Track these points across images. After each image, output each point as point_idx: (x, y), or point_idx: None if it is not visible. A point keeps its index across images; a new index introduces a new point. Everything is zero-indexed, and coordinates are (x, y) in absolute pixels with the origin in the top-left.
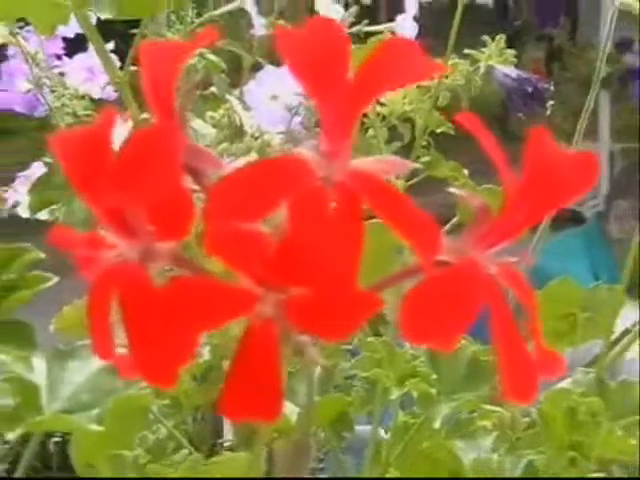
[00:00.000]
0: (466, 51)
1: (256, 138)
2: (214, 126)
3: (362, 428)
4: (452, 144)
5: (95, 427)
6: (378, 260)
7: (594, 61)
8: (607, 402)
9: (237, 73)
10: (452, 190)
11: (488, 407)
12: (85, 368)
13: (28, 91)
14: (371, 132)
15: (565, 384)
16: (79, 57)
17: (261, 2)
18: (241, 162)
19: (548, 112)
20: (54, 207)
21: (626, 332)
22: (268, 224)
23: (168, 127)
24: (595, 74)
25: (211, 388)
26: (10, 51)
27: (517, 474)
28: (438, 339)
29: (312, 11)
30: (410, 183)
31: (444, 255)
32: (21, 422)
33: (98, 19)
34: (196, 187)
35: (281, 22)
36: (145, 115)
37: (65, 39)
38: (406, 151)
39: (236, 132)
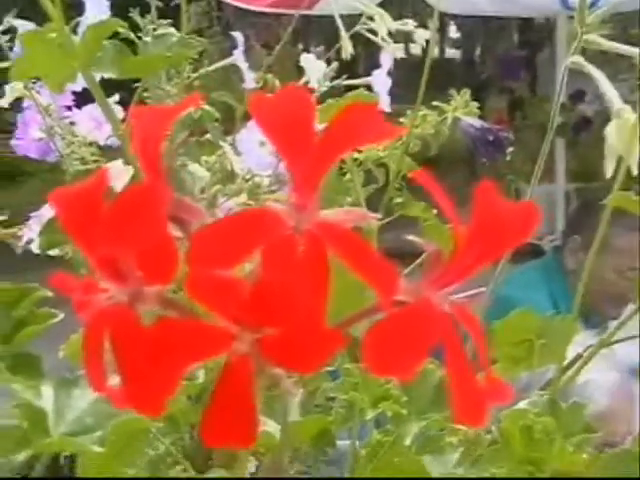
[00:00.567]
0: (434, 103)
1: (247, 180)
2: (208, 170)
3: (342, 443)
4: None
5: (97, 448)
6: (344, 298)
7: (551, 110)
8: (559, 421)
9: (230, 122)
10: (409, 237)
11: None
12: (88, 395)
13: (41, 139)
14: (348, 176)
15: (522, 405)
16: (87, 108)
17: (251, 58)
18: (233, 203)
19: (508, 157)
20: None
21: (578, 357)
22: (243, 269)
23: (155, 183)
24: (550, 122)
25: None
26: (25, 103)
27: None
28: (398, 371)
29: (298, 67)
30: (385, 221)
31: (402, 295)
32: (30, 444)
33: None
34: (181, 235)
35: (269, 76)
36: None
37: (75, 92)
38: (381, 193)
39: (228, 175)
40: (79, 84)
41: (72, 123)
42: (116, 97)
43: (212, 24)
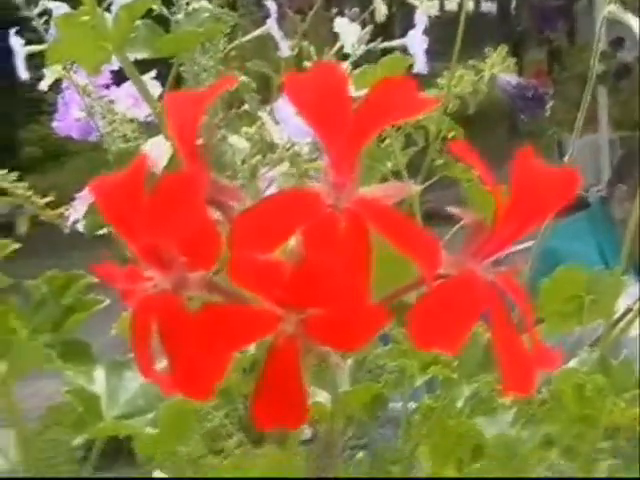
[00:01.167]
0: (471, 62)
1: (287, 149)
2: (248, 140)
3: (395, 405)
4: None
5: (151, 430)
6: (387, 274)
7: (591, 60)
8: (611, 378)
9: (267, 91)
10: (452, 210)
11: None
12: (139, 376)
13: (81, 119)
14: (387, 141)
15: (573, 363)
16: (125, 85)
17: (285, 26)
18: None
19: (548, 113)
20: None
21: (628, 311)
22: (285, 250)
23: (193, 169)
24: (590, 71)
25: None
26: (64, 84)
27: (534, 445)
28: (444, 345)
29: (333, 32)
30: (428, 183)
31: (445, 268)
32: (85, 428)
33: None
34: (221, 218)
35: (304, 43)
36: None
37: (112, 71)
38: (422, 155)
39: (268, 145)
40: (115, 62)
41: (111, 101)
42: (153, 73)
43: None
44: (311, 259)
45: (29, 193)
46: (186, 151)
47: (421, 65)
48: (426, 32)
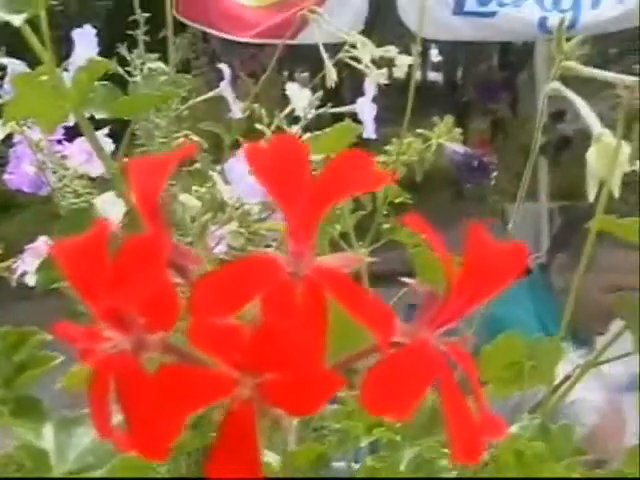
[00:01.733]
0: (419, 130)
1: (236, 209)
2: (199, 199)
3: (337, 464)
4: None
5: None
6: (342, 341)
7: (533, 131)
8: (550, 445)
9: (218, 151)
10: (405, 281)
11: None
12: (89, 433)
13: (33, 173)
14: (337, 205)
15: (514, 428)
16: (77, 142)
17: (237, 88)
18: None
19: (493, 181)
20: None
21: (567, 377)
22: (243, 316)
23: (156, 233)
24: (533, 143)
25: (202, 436)
26: (16, 138)
27: None
28: (396, 411)
29: (284, 95)
30: (375, 246)
31: (399, 337)
32: None
33: None
34: (180, 281)
35: (256, 106)
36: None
37: (65, 127)
38: (369, 219)
39: (219, 204)
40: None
41: (63, 157)
42: (106, 130)
43: (198, 56)
44: (269, 324)
45: None
46: (149, 215)
47: (370, 131)
48: (375, 99)
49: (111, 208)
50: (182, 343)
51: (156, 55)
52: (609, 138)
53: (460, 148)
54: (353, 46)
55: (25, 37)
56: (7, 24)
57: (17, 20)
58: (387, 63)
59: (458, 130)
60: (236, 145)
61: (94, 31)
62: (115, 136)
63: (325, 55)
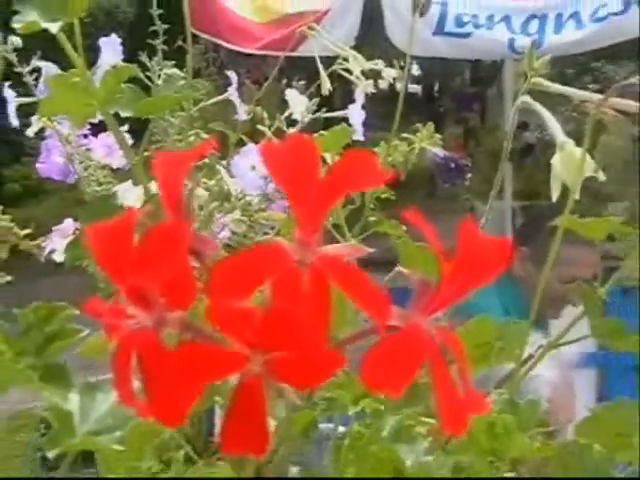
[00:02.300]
0: (404, 135)
1: (239, 199)
2: (206, 190)
3: (325, 425)
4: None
5: (117, 447)
6: (343, 322)
7: (500, 138)
8: (518, 417)
9: (225, 148)
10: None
11: (424, 419)
12: (108, 398)
13: (62, 163)
14: None
15: None
16: (101, 137)
17: (243, 93)
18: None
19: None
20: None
21: (529, 357)
22: (256, 299)
23: (178, 222)
24: (503, 151)
25: (204, 397)
26: (47, 132)
27: (446, 472)
28: (391, 388)
29: (283, 100)
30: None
31: (394, 321)
32: (59, 443)
33: None
34: (199, 266)
35: (258, 109)
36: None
37: (91, 123)
38: (358, 212)
39: (224, 195)
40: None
41: (88, 149)
42: (126, 127)
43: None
44: (277, 307)
45: (11, 225)
46: (171, 205)
47: (359, 134)
48: (363, 106)
49: (129, 195)
50: (198, 321)
51: (172, 62)
52: (572, 147)
53: (440, 151)
54: (345, 59)
55: (60, 43)
56: (44, 30)
57: (54, 27)
58: (374, 75)
59: (438, 135)
60: (241, 143)
61: (119, 40)
62: (133, 132)
63: (320, 66)
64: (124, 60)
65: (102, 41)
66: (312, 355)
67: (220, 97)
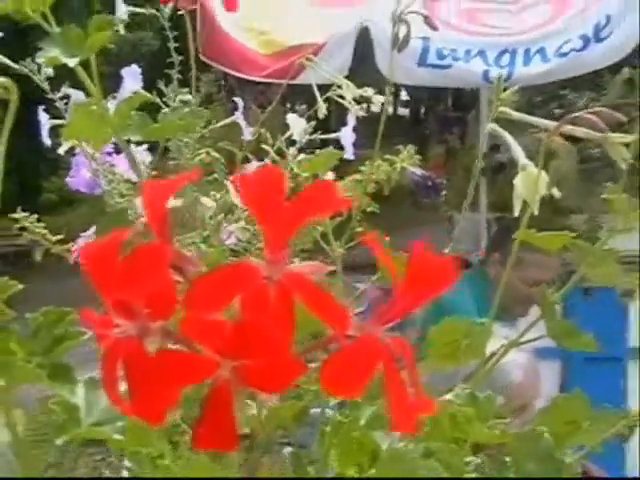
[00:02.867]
0: (386, 156)
1: (244, 211)
2: (215, 202)
3: (314, 410)
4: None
5: (118, 436)
6: (306, 333)
7: (476, 157)
8: (478, 409)
9: (232, 165)
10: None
11: None
12: None
13: (89, 177)
14: None
15: (449, 396)
16: (123, 154)
17: (248, 116)
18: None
19: (443, 197)
20: None
21: (493, 353)
22: (227, 312)
23: (161, 242)
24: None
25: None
26: (77, 150)
27: (417, 456)
28: (348, 391)
29: (285, 123)
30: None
31: (352, 331)
32: (66, 432)
33: None
34: (181, 280)
35: (262, 130)
36: None
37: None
38: (345, 224)
39: (230, 206)
40: None
41: (112, 165)
42: (145, 145)
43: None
44: (246, 319)
45: (45, 232)
46: (157, 227)
47: (349, 153)
48: (355, 129)
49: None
50: (177, 331)
51: (187, 89)
52: (532, 168)
53: (418, 171)
54: (339, 87)
55: (78, 75)
56: (65, 65)
57: (72, 62)
58: (365, 100)
59: (417, 157)
60: (246, 161)
61: (139, 70)
62: (152, 149)
63: (317, 93)
64: (144, 88)
65: (124, 71)
66: (277, 363)
67: (228, 120)
